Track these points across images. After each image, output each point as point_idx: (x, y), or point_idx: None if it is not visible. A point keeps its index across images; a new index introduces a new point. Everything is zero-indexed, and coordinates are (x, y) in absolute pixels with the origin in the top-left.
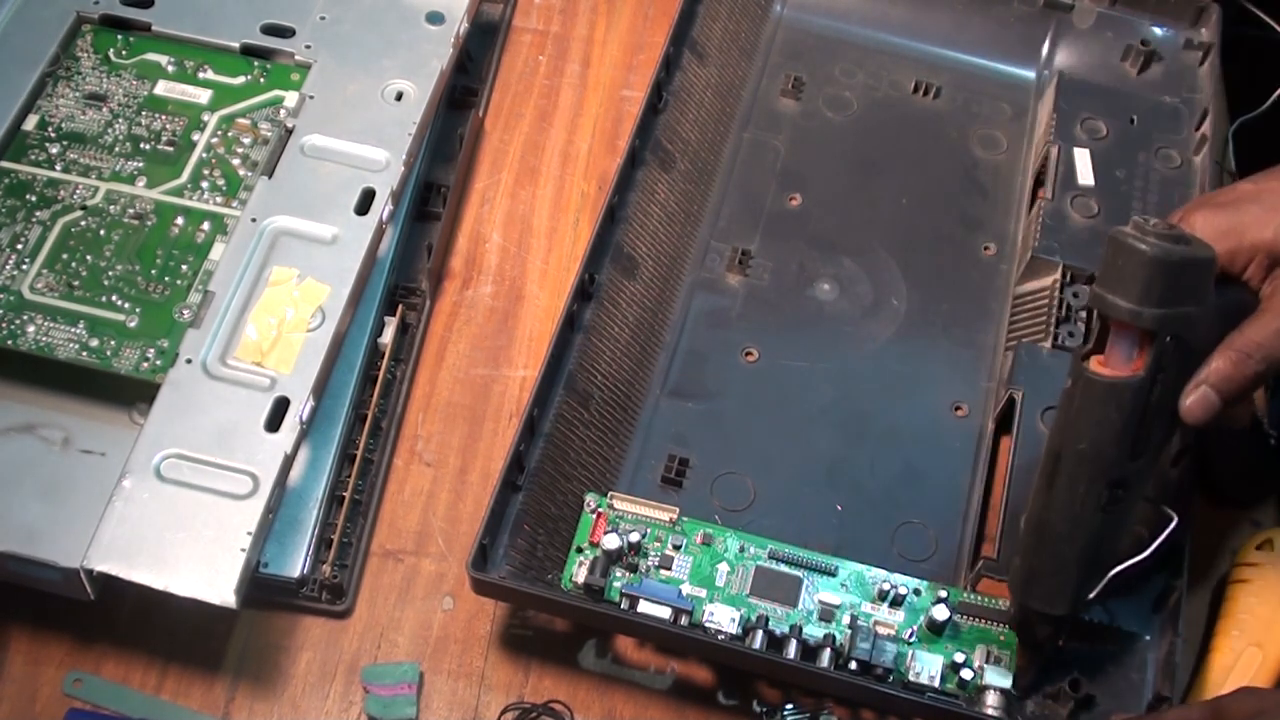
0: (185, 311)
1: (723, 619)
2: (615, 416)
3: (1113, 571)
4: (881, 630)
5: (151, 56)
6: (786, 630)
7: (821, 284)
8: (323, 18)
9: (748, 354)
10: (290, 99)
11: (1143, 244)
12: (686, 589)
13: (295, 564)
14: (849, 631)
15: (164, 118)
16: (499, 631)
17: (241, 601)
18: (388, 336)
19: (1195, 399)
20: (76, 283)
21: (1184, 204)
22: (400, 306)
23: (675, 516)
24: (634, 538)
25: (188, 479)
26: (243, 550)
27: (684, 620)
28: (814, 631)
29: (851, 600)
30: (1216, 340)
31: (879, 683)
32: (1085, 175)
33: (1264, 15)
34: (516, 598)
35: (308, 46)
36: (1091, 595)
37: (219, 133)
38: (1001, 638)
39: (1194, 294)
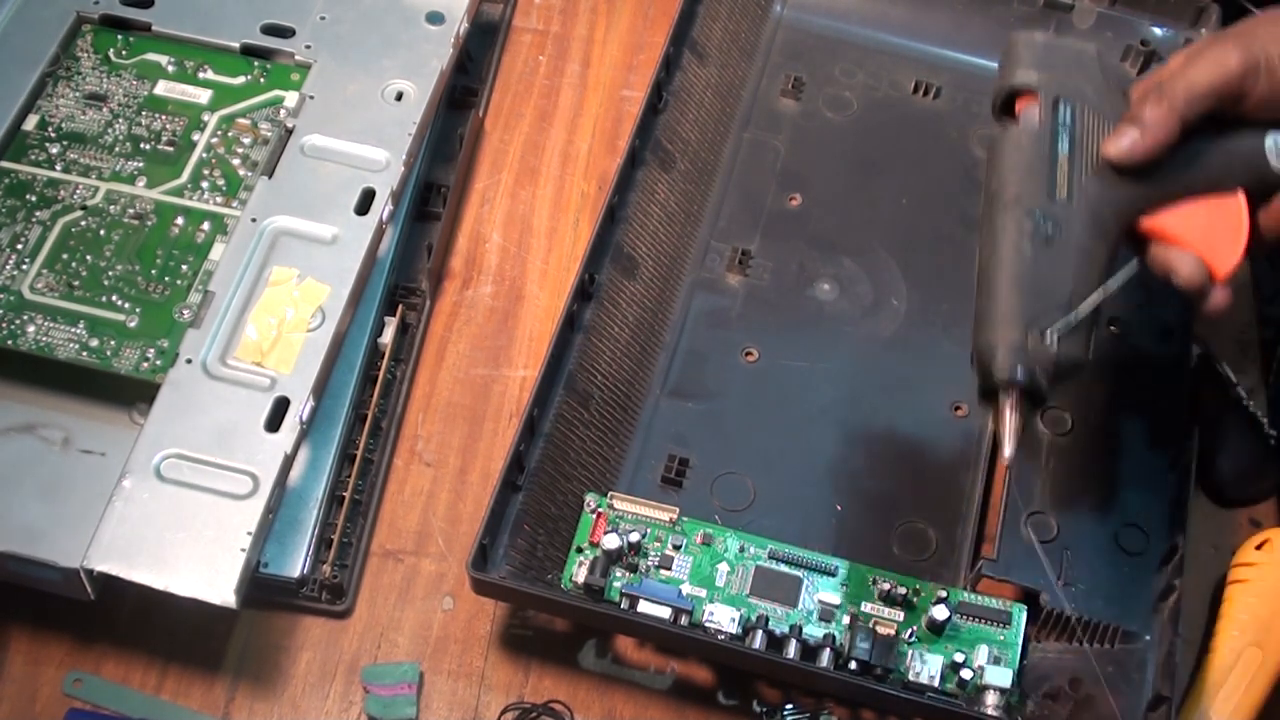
0: (185, 311)
1: (723, 619)
2: (615, 416)
3: (1076, 312)
4: (881, 630)
5: (151, 56)
6: (786, 630)
7: (821, 284)
8: (323, 18)
9: (748, 354)
10: (290, 99)
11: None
12: (686, 589)
13: (295, 564)
14: (849, 631)
15: (164, 118)
16: (499, 631)
17: (241, 601)
18: (388, 336)
19: (1116, 139)
20: (76, 283)
21: None
22: (400, 306)
23: (675, 516)
24: (634, 538)
25: (188, 479)
26: (243, 550)
27: (684, 620)
28: (814, 631)
29: (851, 600)
30: None
31: (879, 683)
32: None
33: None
34: (516, 598)
35: (308, 46)
36: (1056, 329)
37: (219, 133)
38: (1001, 638)
39: (1079, 70)
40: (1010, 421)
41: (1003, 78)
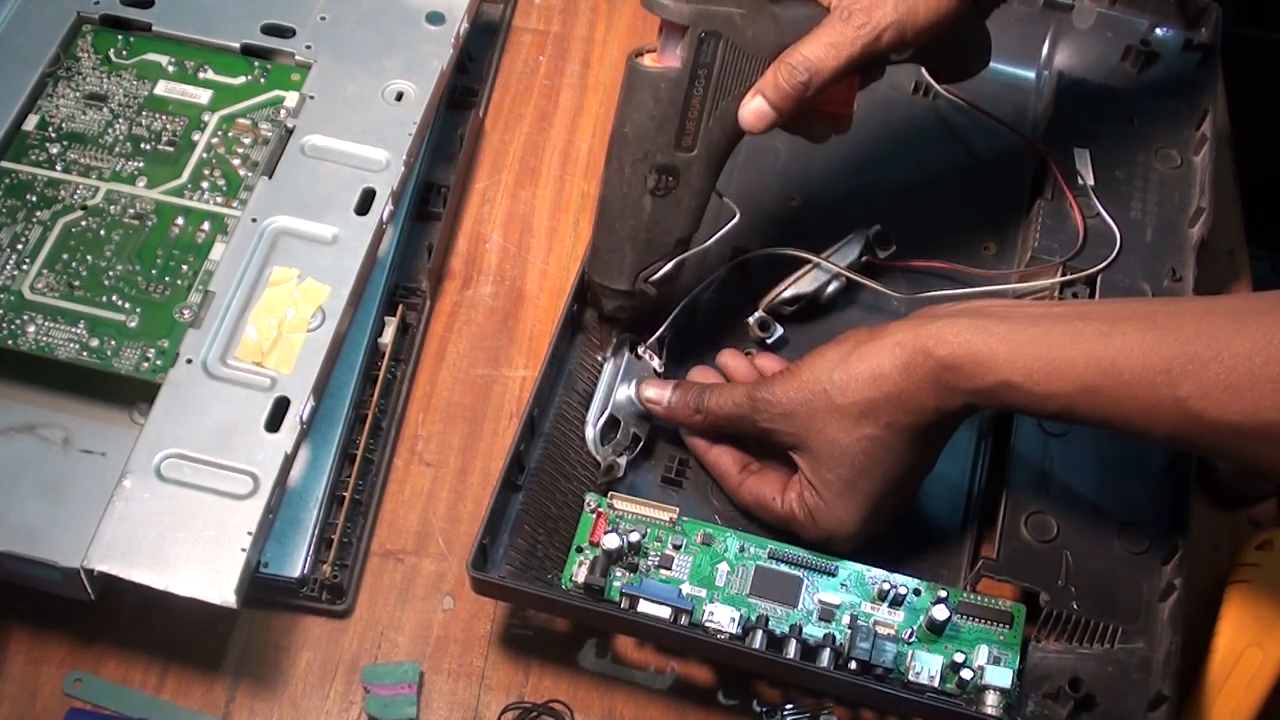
0: (185, 311)
1: (723, 619)
2: None
3: (676, 258)
4: (881, 630)
5: (152, 56)
6: (786, 630)
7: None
8: (323, 18)
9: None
10: (290, 99)
11: None
12: (686, 589)
13: (295, 564)
14: (849, 631)
15: (164, 118)
16: (499, 631)
17: (242, 601)
18: (388, 336)
19: (750, 108)
20: (77, 283)
21: (1184, 204)
22: (400, 306)
23: (675, 516)
24: (634, 538)
25: (188, 479)
26: (243, 550)
27: (684, 620)
28: (814, 631)
29: (851, 600)
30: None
31: (879, 683)
32: (1085, 175)
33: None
34: (516, 598)
35: (308, 47)
36: (654, 277)
37: (219, 133)
38: (1001, 638)
39: None
40: (609, 334)
41: (652, 4)
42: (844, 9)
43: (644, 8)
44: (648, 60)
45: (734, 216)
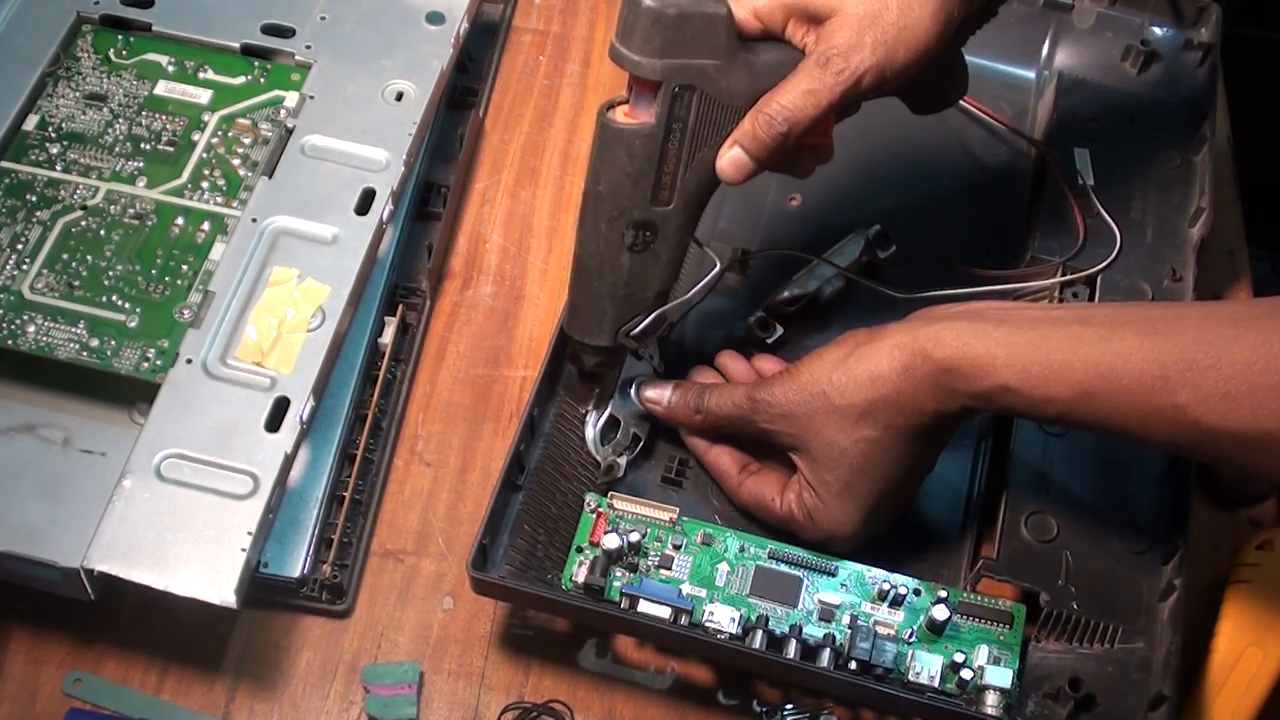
0: (185, 311)
1: (723, 619)
2: None
3: (656, 311)
4: (881, 630)
5: (152, 56)
6: (786, 630)
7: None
8: (323, 18)
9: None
10: (290, 99)
11: None
12: (686, 589)
13: (295, 564)
14: (849, 631)
15: (164, 118)
16: (499, 631)
17: (241, 601)
18: (388, 336)
19: (728, 159)
20: (77, 283)
21: (1184, 204)
22: (400, 306)
23: (675, 516)
24: (634, 538)
25: (188, 479)
26: (243, 550)
27: (684, 620)
28: (814, 631)
29: (851, 600)
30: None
31: (879, 683)
32: (1085, 175)
33: None
34: (516, 598)
35: (308, 46)
36: (635, 331)
37: (219, 133)
38: (1001, 638)
39: (706, 47)
40: (586, 389)
41: (622, 60)
42: (821, 54)
43: (613, 62)
44: (620, 115)
45: (715, 266)
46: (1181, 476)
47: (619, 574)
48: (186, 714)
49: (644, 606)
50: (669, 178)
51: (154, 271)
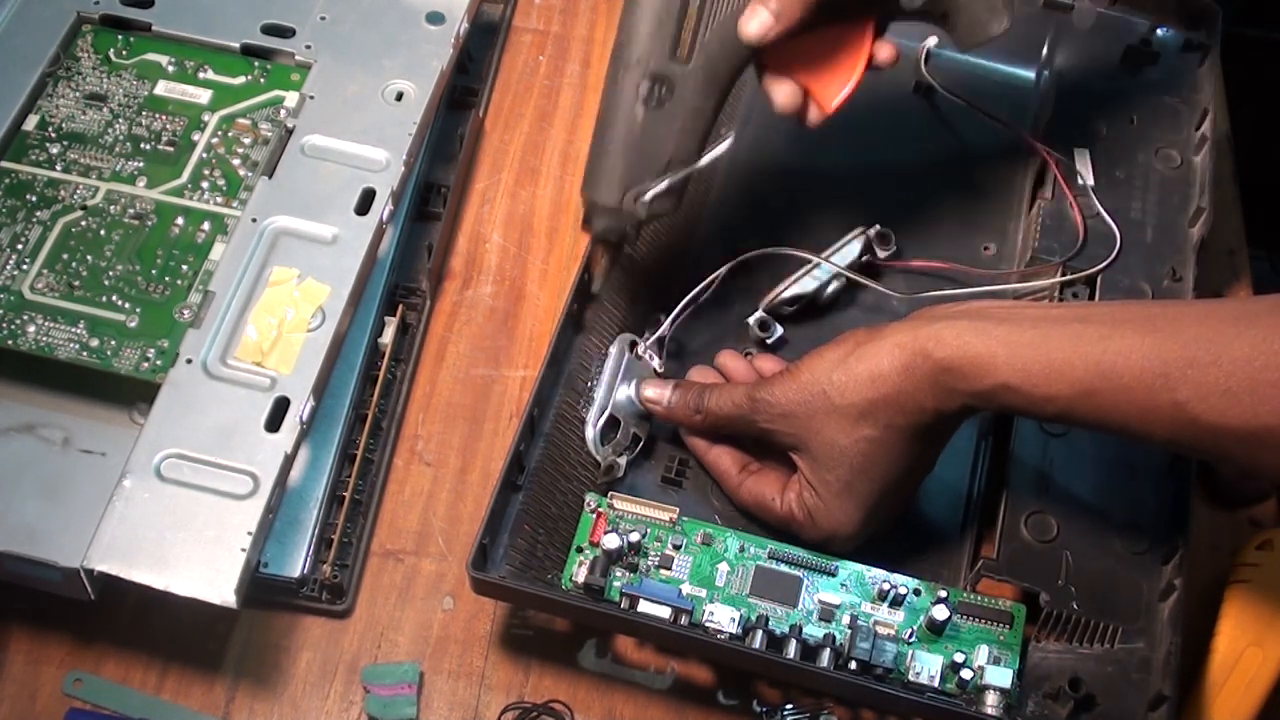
0: (185, 311)
1: (723, 619)
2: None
3: (668, 178)
4: (881, 630)
5: (152, 56)
6: (786, 630)
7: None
8: (323, 18)
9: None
10: (290, 99)
11: None
12: (686, 589)
13: (295, 564)
14: (849, 631)
15: (164, 118)
16: (499, 631)
17: (241, 601)
18: (388, 336)
19: (753, 19)
20: (77, 283)
21: (1184, 204)
22: (400, 306)
23: (675, 516)
24: (634, 538)
25: (188, 479)
26: (243, 550)
27: (684, 620)
28: (814, 631)
29: (851, 600)
30: None
31: (879, 683)
32: (1085, 175)
33: None
34: (516, 598)
35: (308, 46)
36: (645, 197)
37: (219, 133)
38: (1001, 638)
39: None
40: (602, 262)
41: None
42: None
43: None
44: None
45: (728, 138)
46: (1181, 476)
47: (619, 574)
48: (186, 714)
49: (644, 606)
50: (689, 34)
51: (154, 271)
